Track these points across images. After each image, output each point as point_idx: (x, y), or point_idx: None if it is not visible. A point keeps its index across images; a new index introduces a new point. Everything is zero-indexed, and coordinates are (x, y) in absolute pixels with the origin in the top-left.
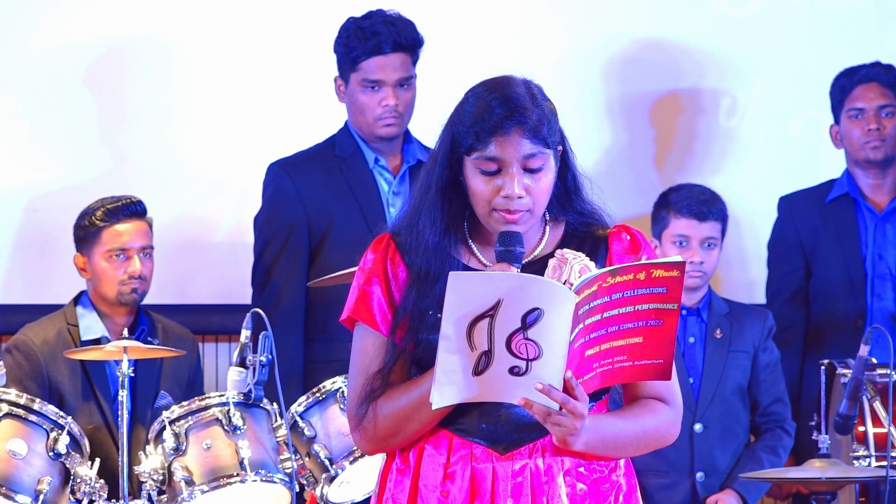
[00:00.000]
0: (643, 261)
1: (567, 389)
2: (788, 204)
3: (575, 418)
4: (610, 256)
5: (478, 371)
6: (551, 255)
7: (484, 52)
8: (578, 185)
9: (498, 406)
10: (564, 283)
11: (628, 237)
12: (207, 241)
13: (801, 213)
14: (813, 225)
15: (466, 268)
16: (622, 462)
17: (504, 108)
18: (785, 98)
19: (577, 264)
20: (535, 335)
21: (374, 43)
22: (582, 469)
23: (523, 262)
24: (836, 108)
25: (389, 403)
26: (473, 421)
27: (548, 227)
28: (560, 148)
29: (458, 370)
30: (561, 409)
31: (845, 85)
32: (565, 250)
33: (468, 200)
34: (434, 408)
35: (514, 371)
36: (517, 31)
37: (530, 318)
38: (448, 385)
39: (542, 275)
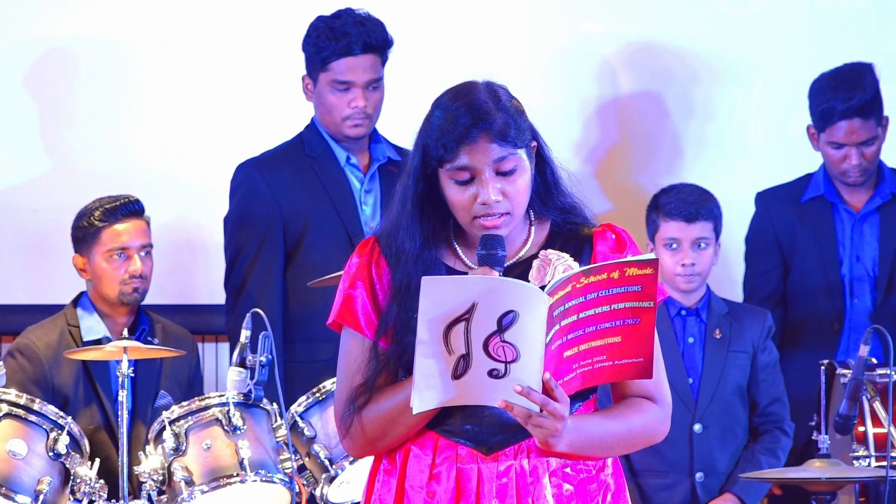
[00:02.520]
0: (615, 260)
1: (546, 391)
2: (765, 200)
3: (556, 420)
4: (595, 256)
5: (457, 374)
6: (537, 255)
7: (475, 52)
8: (557, 178)
9: (482, 407)
10: (548, 284)
11: (613, 236)
12: (207, 241)
13: (777, 211)
14: (789, 224)
15: (451, 270)
16: (609, 461)
17: (468, 117)
18: (785, 99)
19: (561, 265)
20: (511, 337)
21: (345, 44)
22: (568, 469)
23: (509, 263)
24: (816, 119)
25: (375, 408)
26: (458, 422)
27: (533, 228)
28: (533, 144)
29: (437, 374)
30: (541, 410)
31: (827, 111)
32: (549, 251)
33: (449, 209)
34: (414, 412)
35: (493, 374)
36: (515, 30)
37: (506, 321)
38: (427, 389)
39: (527, 276)
